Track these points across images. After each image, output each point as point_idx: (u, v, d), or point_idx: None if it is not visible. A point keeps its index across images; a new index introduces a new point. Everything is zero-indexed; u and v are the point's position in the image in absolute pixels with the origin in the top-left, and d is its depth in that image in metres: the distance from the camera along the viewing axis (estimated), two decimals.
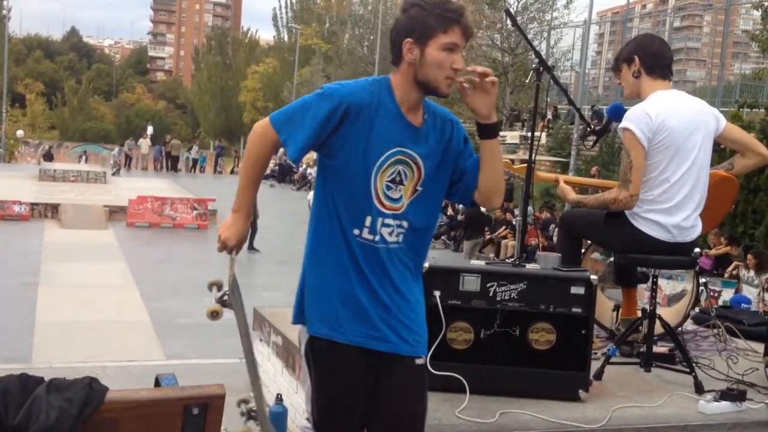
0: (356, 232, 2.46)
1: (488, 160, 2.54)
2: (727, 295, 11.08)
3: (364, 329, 2.46)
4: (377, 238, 2.48)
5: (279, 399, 4.31)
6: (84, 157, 40.99)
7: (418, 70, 2.41)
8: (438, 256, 9.09)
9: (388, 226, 2.48)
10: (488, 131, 2.51)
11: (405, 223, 2.50)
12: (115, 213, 18.15)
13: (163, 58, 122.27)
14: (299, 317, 2.57)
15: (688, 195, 3.77)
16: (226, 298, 2.48)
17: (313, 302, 2.51)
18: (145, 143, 38.34)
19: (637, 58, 3.86)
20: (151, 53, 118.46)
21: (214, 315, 2.45)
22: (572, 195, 4.20)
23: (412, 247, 2.54)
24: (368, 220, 2.46)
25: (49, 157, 38.38)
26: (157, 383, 2.35)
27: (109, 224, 17.19)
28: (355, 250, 2.46)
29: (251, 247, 14.59)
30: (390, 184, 2.46)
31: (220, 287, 2.49)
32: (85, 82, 74.67)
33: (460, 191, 2.60)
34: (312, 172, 31.24)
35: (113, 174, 30.66)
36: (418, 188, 2.51)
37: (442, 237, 18.73)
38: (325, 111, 2.39)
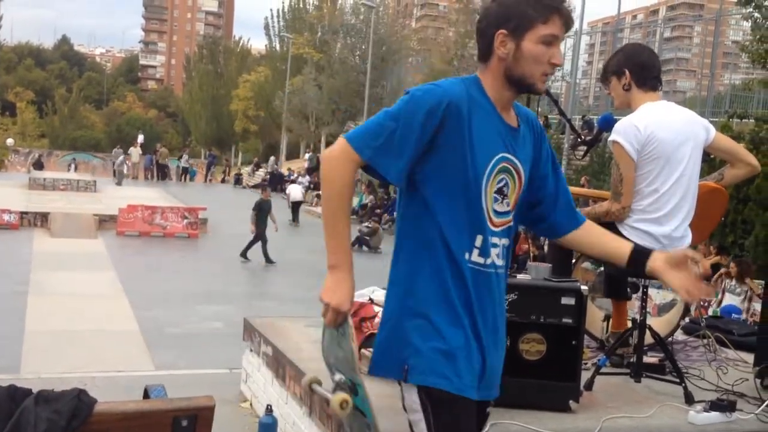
0: (466, 256, 2.10)
1: (603, 255, 2.45)
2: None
3: (471, 375, 2.12)
4: (488, 261, 2.14)
5: (269, 410, 4.29)
6: (73, 165, 40.87)
7: (511, 65, 2.11)
8: None
9: (495, 246, 2.15)
10: (639, 271, 2.30)
11: (506, 241, 2.20)
12: (105, 222, 18.06)
13: (154, 67, 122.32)
14: (392, 368, 2.13)
15: (677, 205, 3.79)
16: (342, 383, 2.12)
17: (422, 347, 2.08)
18: (135, 152, 38.26)
19: (627, 72, 3.87)
20: (142, 62, 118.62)
21: (344, 405, 2.03)
22: None
23: (507, 269, 2.24)
24: (479, 240, 2.11)
25: (39, 165, 38.30)
26: (146, 394, 2.35)
27: (99, 233, 17.11)
28: (466, 278, 2.10)
29: (244, 255, 14.55)
30: (497, 195, 2.14)
31: (320, 383, 2.16)
32: (76, 91, 74.65)
33: (551, 227, 2.37)
34: (303, 180, 31.19)
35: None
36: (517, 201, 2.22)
37: None
38: (423, 114, 2.03)
